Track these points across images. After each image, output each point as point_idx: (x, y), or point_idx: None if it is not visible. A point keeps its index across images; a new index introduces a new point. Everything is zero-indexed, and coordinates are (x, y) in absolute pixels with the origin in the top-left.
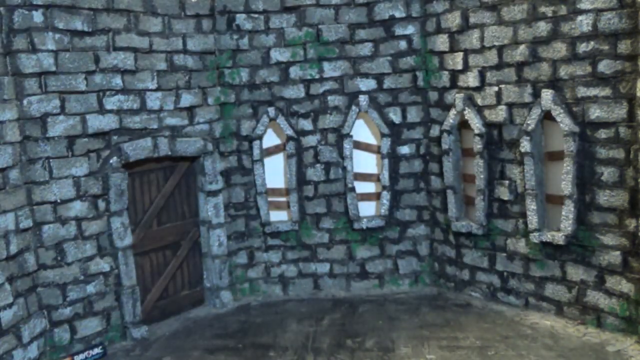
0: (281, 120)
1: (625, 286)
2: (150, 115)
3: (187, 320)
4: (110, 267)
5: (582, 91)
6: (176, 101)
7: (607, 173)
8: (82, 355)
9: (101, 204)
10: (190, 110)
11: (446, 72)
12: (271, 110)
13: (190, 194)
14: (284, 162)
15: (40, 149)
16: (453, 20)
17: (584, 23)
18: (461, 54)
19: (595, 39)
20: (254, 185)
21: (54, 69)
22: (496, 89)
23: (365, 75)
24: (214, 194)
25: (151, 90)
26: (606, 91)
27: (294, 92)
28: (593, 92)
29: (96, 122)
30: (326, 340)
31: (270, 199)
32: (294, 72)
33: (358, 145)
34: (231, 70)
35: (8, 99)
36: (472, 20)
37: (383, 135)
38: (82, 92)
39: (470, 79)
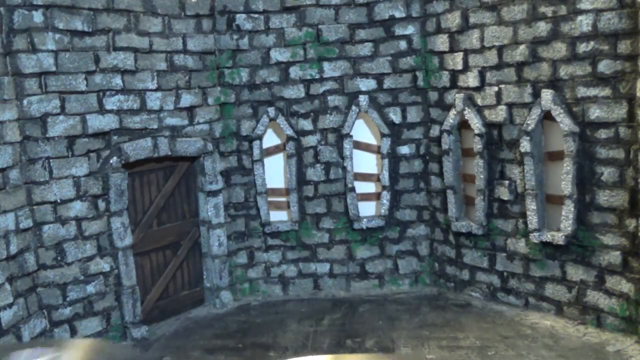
0: (281, 120)
1: (625, 286)
2: (150, 115)
3: (187, 320)
4: (110, 267)
5: (582, 91)
6: (176, 101)
7: (607, 173)
8: None
9: (101, 204)
10: (190, 110)
11: (446, 72)
12: (271, 110)
13: (190, 194)
14: (284, 162)
15: (40, 149)
16: (453, 20)
17: (584, 23)
18: (461, 54)
19: (595, 39)
20: (254, 185)
21: (54, 69)
22: (496, 89)
23: (365, 75)
24: (214, 194)
25: (151, 90)
26: (606, 91)
27: (294, 92)
28: (593, 92)
29: (96, 122)
30: (326, 340)
31: (270, 199)
32: (294, 72)
33: (358, 145)
34: (231, 70)
35: (8, 99)
36: (472, 20)
37: (383, 135)
38: (82, 92)
39: (470, 79)
